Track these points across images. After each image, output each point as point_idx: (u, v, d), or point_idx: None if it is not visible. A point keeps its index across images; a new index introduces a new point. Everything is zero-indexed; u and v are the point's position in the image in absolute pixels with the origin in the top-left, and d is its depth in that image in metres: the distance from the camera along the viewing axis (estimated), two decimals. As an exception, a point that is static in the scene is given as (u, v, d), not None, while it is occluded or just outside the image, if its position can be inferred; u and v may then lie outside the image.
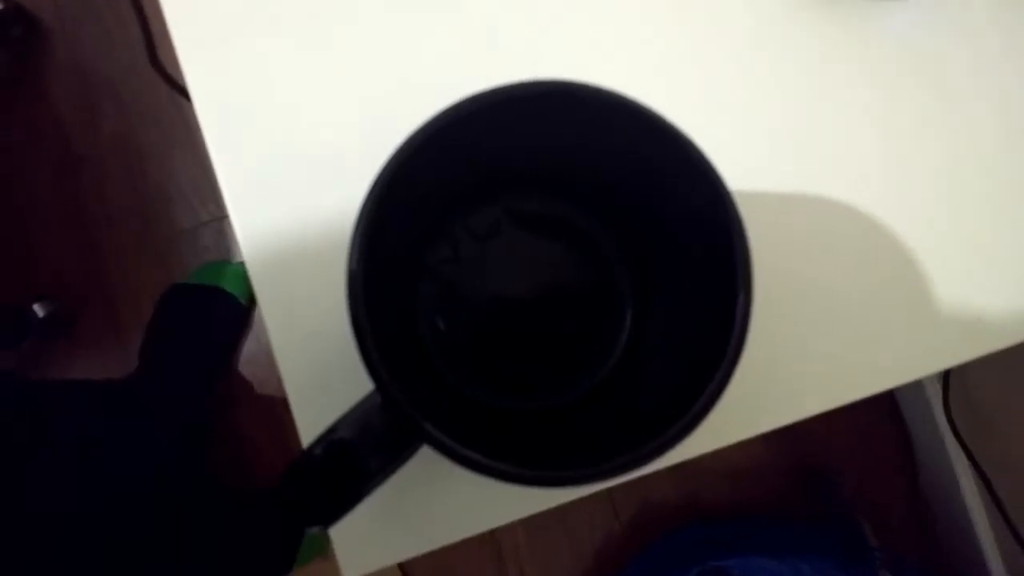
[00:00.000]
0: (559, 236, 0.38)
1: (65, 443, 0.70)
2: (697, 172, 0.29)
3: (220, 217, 1.09)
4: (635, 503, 1.10)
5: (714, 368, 0.28)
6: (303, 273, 0.41)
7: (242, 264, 1.05)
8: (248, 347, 1.09)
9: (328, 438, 0.29)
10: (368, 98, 0.42)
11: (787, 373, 0.41)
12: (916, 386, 1.08)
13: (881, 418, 1.14)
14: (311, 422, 0.40)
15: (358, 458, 0.28)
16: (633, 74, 0.43)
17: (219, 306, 1.01)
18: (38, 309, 1.07)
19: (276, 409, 1.03)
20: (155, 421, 0.88)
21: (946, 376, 0.96)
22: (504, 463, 0.27)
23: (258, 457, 1.06)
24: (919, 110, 0.43)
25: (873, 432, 1.14)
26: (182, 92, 0.44)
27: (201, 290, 1.02)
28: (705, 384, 0.28)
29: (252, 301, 1.07)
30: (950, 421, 0.95)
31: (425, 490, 0.40)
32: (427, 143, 0.27)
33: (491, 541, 1.09)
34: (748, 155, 0.42)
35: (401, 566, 1.09)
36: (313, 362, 0.40)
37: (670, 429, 0.27)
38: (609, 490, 1.08)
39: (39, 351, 1.10)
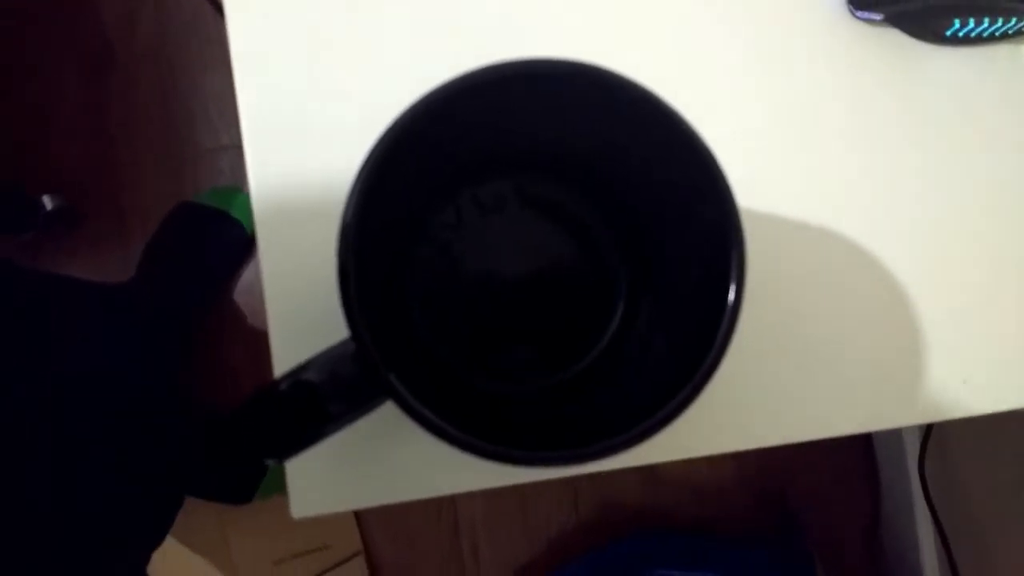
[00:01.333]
0: (562, 222, 0.38)
1: (47, 334, 0.71)
2: (709, 181, 0.29)
3: (240, 144, 1.09)
4: (598, 500, 1.10)
5: (692, 371, 0.28)
6: (306, 215, 0.41)
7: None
8: (246, 277, 1.09)
9: (296, 376, 0.29)
10: (405, 57, 0.42)
11: (764, 398, 0.41)
12: (895, 433, 1.08)
13: (855, 458, 1.14)
14: (287, 359, 0.40)
15: (321, 400, 0.28)
16: (663, 72, 0.42)
17: (224, 230, 1.02)
18: (47, 201, 1.07)
19: (261, 342, 1.03)
20: (139, 330, 0.88)
21: (928, 430, 0.96)
22: (462, 431, 0.27)
23: (234, 385, 1.07)
24: (944, 161, 0.43)
25: (844, 471, 1.14)
26: (220, 9, 0.44)
27: (209, 212, 1.02)
28: (681, 386, 0.28)
29: (258, 232, 1.07)
30: (922, 476, 0.95)
31: (390, 445, 0.40)
32: (442, 105, 0.27)
33: (450, 511, 1.10)
34: (760, 176, 0.42)
35: (359, 525, 1.10)
36: (300, 302, 0.40)
37: (633, 428, 0.27)
38: (575, 483, 1.08)
39: (40, 243, 1.10)
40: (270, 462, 0.30)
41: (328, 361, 0.29)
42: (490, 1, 0.43)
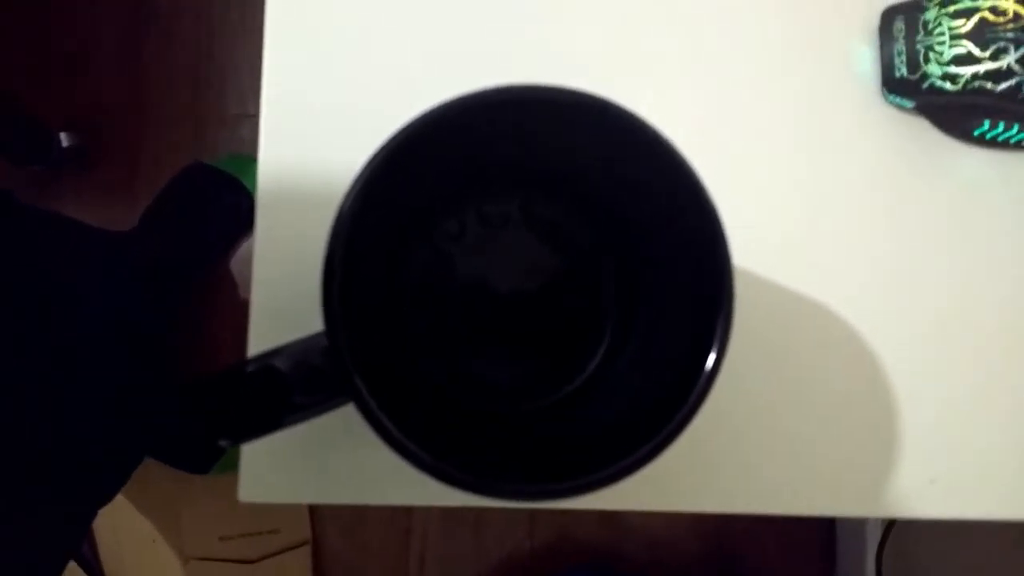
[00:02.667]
0: (563, 248, 0.38)
1: (44, 272, 0.71)
2: (710, 239, 0.28)
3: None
4: (554, 530, 1.09)
5: (659, 428, 0.28)
6: (308, 201, 0.41)
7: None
8: (246, 247, 1.09)
9: (265, 360, 0.29)
10: (435, 63, 0.42)
11: (730, 465, 0.41)
12: (859, 520, 1.07)
13: (816, 536, 1.13)
14: (262, 341, 0.40)
15: (285, 389, 0.28)
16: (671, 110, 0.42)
17: (232, 197, 1.01)
18: (64, 138, 1.07)
19: (246, 315, 1.02)
20: (136, 280, 0.88)
21: (891, 522, 0.95)
22: (419, 447, 0.26)
23: (214, 351, 1.07)
24: (953, 259, 0.43)
25: (802, 548, 1.13)
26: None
27: (221, 176, 1.02)
28: (645, 442, 0.28)
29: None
30: (878, 567, 0.95)
31: (352, 445, 0.40)
32: (456, 116, 0.27)
33: (405, 517, 1.09)
34: (766, 240, 0.42)
35: (312, 515, 1.09)
36: (286, 287, 0.40)
37: (586, 475, 0.27)
38: (533, 509, 1.08)
39: (49, 179, 1.10)
40: (224, 443, 0.30)
41: (299, 351, 0.28)
42: (530, 27, 0.43)
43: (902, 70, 0.42)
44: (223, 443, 0.30)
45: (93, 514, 0.75)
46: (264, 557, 1.06)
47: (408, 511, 1.09)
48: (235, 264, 1.08)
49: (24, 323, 0.64)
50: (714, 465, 0.41)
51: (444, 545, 1.09)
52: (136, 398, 0.79)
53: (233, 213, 1.03)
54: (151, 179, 1.08)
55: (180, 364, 1.06)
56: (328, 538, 1.09)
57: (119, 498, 1.06)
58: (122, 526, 1.07)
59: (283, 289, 0.40)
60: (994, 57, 0.40)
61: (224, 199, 1.02)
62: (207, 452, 1.00)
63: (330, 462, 0.40)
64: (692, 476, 0.41)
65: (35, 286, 0.68)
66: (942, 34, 0.40)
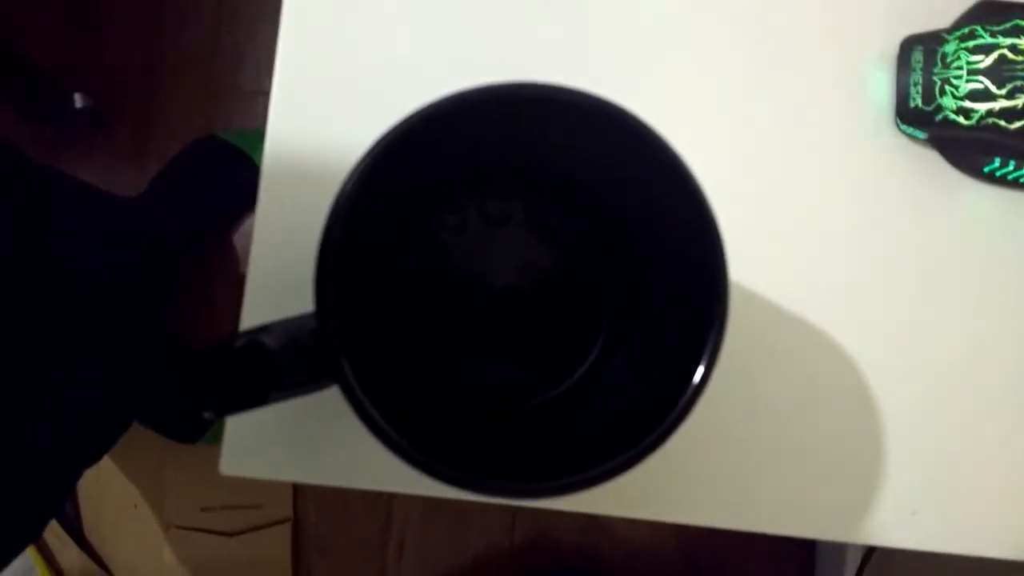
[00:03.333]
0: (561, 251, 0.38)
1: (44, 229, 0.71)
2: (709, 255, 0.28)
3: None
4: (534, 530, 1.09)
5: (643, 436, 0.28)
6: (312, 181, 0.41)
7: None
8: (249, 222, 1.09)
9: (254, 336, 0.29)
10: (453, 51, 0.42)
11: (715, 478, 0.41)
12: (840, 545, 1.07)
13: (795, 553, 1.13)
14: (254, 317, 0.40)
15: (272, 367, 0.28)
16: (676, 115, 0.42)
17: (241, 171, 1.01)
18: (78, 99, 1.06)
19: (243, 290, 1.03)
20: (137, 246, 0.88)
21: (871, 549, 0.95)
22: (403, 435, 0.26)
23: (210, 323, 1.07)
24: (950, 294, 0.43)
25: (782, 565, 1.13)
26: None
27: (232, 150, 1.01)
28: (628, 448, 0.28)
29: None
30: (857, 589, 0.94)
31: (338, 427, 0.40)
32: (458, 110, 0.27)
33: (387, 504, 1.09)
34: (767, 257, 0.42)
35: (295, 493, 1.09)
36: (283, 264, 0.40)
37: (567, 476, 0.27)
38: (515, 508, 1.08)
39: (59, 139, 1.10)
40: (208, 415, 0.30)
41: (288, 330, 0.28)
42: (550, 27, 0.43)
43: (917, 100, 0.42)
44: (207, 415, 0.30)
45: (78, 475, 0.76)
46: (244, 531, 1.06)
47: (391, 498, 1.09)
48: (238, 238, 1.09)
49: (19, 280, 0.64)
50: (696, 478, 0.41)
51: (424, 535, 1.10)
52: (128, 365, 0.79)
53: (241, 188, 1.03)
54: (162, 147, 1.08)
55: (175, 334, 1.06)
56: (309, 517, 1.09)
57: (105, 460, 1.07)
58: (106, 489, 1.07)
59: (280, 267, 0.40)
60: (1010, 95, 0.40)
61: (234, 173, 1.02)
62: (196, 423, 1.00)
63: (315, 443, 0.40)
64: (674, 486, 0.41)
65: (34, 243, 0.68)
66: (960, 68, 0.40)
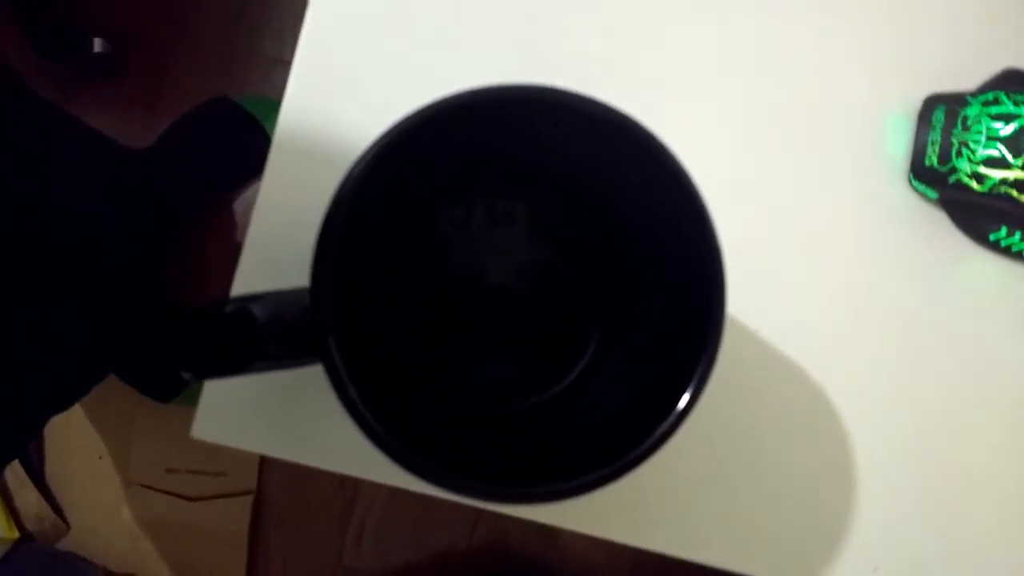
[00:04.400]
0: (563, 252, 0.37)
1: (45, 168, 0.70)
2: (710, 282, 0.28)
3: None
4: (495, 536, 1.09)
5: (619, 455, 0.28)
6: (322, 157, 0.40)
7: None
8: (253, 190, 1.08)
9: (244, 304, 0.28)
10: (478, 45, 0.42)
11: (682, 507, 0.41)
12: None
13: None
14: (248, 285, 0.40)
15: (258, 337, 0.28)
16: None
17: (251, 138, 1.01)
18: (97, 43, 1.06)
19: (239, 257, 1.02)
20: (138, 198, 0.87)
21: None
22: (378, 420, 0.26)
23: (202, 289, 1.06)
24: (939, 357, 0.43)
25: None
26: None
27: (245, 115, 1.01)
28: (603, 465, 0.28)
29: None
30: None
31: (317, 405, 0.40)
32: (459, 110, 0.27)
33: (352, 488, 1.09)
34: (763, 296, 0.42)
35: (261, 466, 1.08)
36: (282, 236, 0.40)
37: (538, 486, 0.27)
38: (479, 510, 1.07)
39: (71, 81, 1.09)
40: (186, 376, 0.30)
41: (279, 302, 0.28)
42: (592, 39, 0.43)
43: (933, 159, 0.42)
44: (186, 376, 0.30)
45: (47, 418, 0.75)
46: (206, 497, 1.06)
47: (357, 484, 1.08)
48: (239, 205, 1.08)
49: (12, 215, 0.64)
50: (663, 505, 0.41)
51: (385, 524, 1.09)
52: (114, 316, 0.79)
53: (248, 154, 1.02)
54: (175, 103, 1.08)
55: (166, 293, 1.06)
56: (272, 492, 1.09)
57: (76, 409, 1.06)
58: (73, 437, 1.07)
59: (278, 239, 0.40)
60: (1025, 167, 0.40)
61: (243, 139, 1.01)
62: (172, 382, 1.00)
63: (291, 419, 0.40)
64: (640, 511, 0.41)
65: (32, 181, 0.67)
66: (979, 132, 0.40)
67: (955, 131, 0.41)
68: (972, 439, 0.42)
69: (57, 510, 1.07)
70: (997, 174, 0.40)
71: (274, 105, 1.05)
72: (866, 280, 0.43)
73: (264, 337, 0.28)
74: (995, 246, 0.43)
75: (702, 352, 0.28)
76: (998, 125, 0.40)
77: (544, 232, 0.37)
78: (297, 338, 0.28)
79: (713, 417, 0.41)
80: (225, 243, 1.07)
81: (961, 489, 0.42)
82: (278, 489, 1.09)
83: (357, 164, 0.27)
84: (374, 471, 0.39)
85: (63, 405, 0.78)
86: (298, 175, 0.40)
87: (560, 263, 0.37)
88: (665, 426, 0.27)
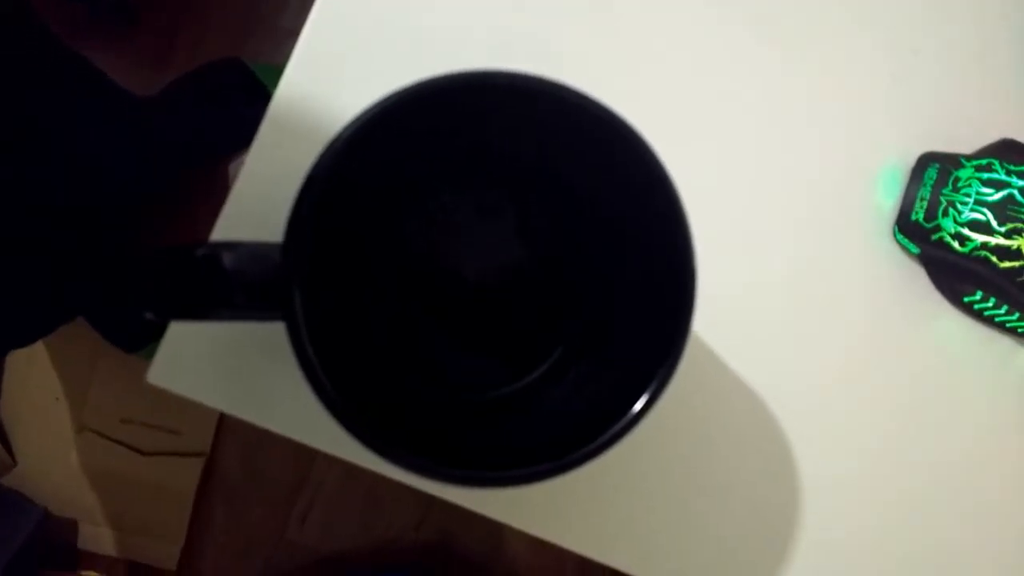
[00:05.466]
0: (545, 253, 0.37)
1: (48, 103, 0.70)
2: (680, 296, 0.28)
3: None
4: (441, 527, 1.09)
5: (567, 451, 0.28)
6: (315, 129, 0.40)
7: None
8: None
9: (215, 249, 0.28)
10: (495, 35, 0.42)
11: (623, 519, 0.41)
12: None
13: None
14: (228, 235, 0.40)
15: (225, 284, 0.28)
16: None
17: (254, 103, 1.00)
18: (117, -10, 1.06)
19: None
20: (136, 144, 0.87)
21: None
22: (336, 386, 0.26)
23: (185, 234, 1.06)
24: (897, 408, 0.43)
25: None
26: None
27: (252, 79, 1.01)
28: (548, 459, 0.28)
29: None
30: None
31: (282, 367, 0.39)
32: (437, 94, 0.27)
33: (307, 464, 1.08)
34: (734, 317, 0.42)
35: (217, 430, 1.07)
36: (269, 194, 0.40)
37: (485, 472, 0.27)
38: (429, 504, 1.07)
39: (83, 23, 1.08)
40: (148, 315, 0.30)
41: (252, 253, 0.28)
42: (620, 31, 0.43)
43: (919, 215, 0.42)
44: (148, 315, 0.30)
45: (6, 351, 0.75)
46: (157, 453, 1.05)
47: (311, 460, 1.08)
48: (234, 167, 1.08)
49: (8, 138, 0.63)
50: (605, 513, 0.41)
51: (333, 506, 1.09)
52: (91, 256, 0.78)
53: (251, 119, 1.02)
54: (186, 59, 1.07)
55: (146, 242, 1.05)
56: (225, 458, 1.08)
57: (39, 346, 1.05)
58: (32, 375, 1.06)
59: (263, 197, 0.40)
60: (1008, 235, 0.40)
61: (247, 101, 1.01)
62: (139, 332, 0.99)
63: (249, 378, 0.40)
64: (590, 518, 0.41)
65: (31, 109, 0.67)
66: (968, 195, 0.41)
67: (945, 190, 0.42)
68: (917, 481, 0.43)
69: (6, 444, 1.06)
70: (980, 238, 0.41)
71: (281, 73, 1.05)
72: (838, 324, 0.43)
73: (230, 285, 0.28)
74: (968, 308, 0.43)
75: (662, 364, 0.28)
76: (988, 190, 0.41)
77: (528, 228, 0.37)
78: (263, 290, 0.27)
79: (669, 434, 0.41)
80: (214, 204, 1.06)
81: (901, 524, 0.43)
82: (231, 456, 1.08)
83: (347, 127, 0.27)
84: (324, 441, 0.39)
85: (25, 340, 0.77)
86: (291, 140, 0.40)
87: (541, 260, 0.37)
88: (615, 429, 0.27)
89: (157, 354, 0.39)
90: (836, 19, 0.44)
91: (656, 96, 0.43)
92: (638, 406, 0.27)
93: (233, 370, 0.39)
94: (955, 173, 0.42)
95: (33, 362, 1.05)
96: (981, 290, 0.42)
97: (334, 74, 0.41)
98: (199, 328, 0.39)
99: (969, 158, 0.42)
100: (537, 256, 0.37)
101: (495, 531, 1.07)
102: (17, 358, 1.06)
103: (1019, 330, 0.43)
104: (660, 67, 0.43)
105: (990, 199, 0.41)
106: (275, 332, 0.30)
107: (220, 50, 1.07)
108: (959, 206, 0.41)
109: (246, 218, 0.40)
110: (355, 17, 0.41)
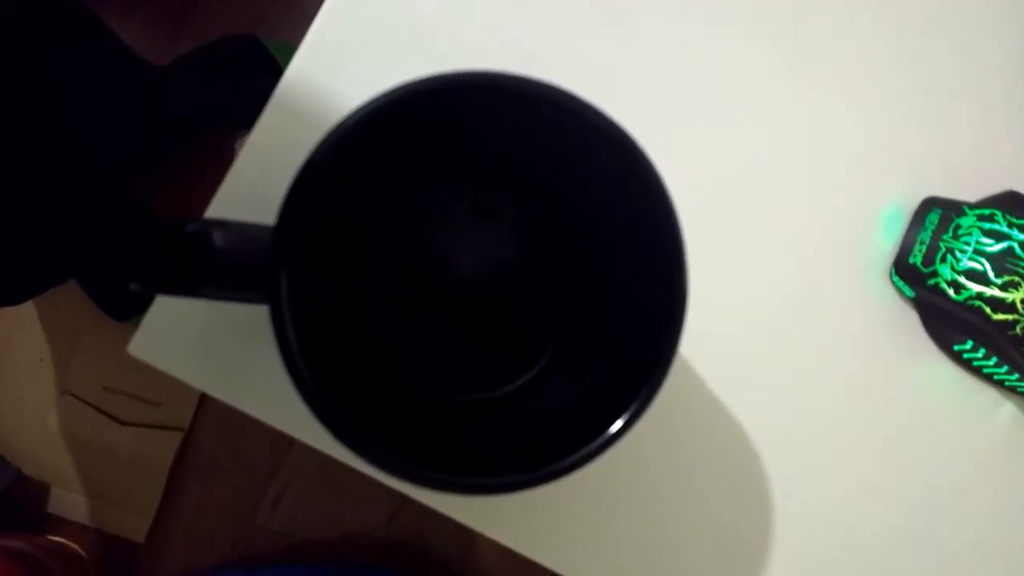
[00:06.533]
0: (539, 255, 0.37)
1: (62, 63, 0.70)
2: (669, 316, 0.28)
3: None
4: (412, 530, 1.08)
5: (543, 464, 0.28)
6: (319, 116, 0.40)
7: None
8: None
9: (206, 227, 0.28)
10: (507, 32, 0.42)
11: (594, 534, 0.41)
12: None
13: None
14: (221, 213, 0.40)
15: (212, 261, 0.27)
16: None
17: (266, 82, 1.00)
18: (139, -46, 1.05)
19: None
20: (142, 109, 0.86)
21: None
22: (314, 379, 0.26)
23: (179, 215, 1.05)
24: (877, 448, 0.43)
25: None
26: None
27: (267, 57, 1.00)
28: (525, 468, 0.28)
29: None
30: None
31: (259, 353, 0.39)
32: (438, 91, 0.27)
33: (284, 451, 1.08)
34: (721, 343, 0.42)
35: (198, 408, 1.07)
36: (267, 176, 0.40)
37: (457, 477, 0.27)
38: (402, 502, 1.07)
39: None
40: (134, 286, 0.29)
41: (243, 233, 0.28)
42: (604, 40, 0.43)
43: (917, 259, 0.42)
44: (133, 287, 0.29)
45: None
46: (135, 424, 1.04)
47: (288, 447, 1.07)
48: (238, 144, 1.07)
49: (18, 93, 0.63)
50: (577, 529, 0.41)
51: (305, 495, 1.08)
52: (87, 219, 0.78)
53: (260, 97, 1.01)
54: (201, 30, 1.07)
55: (141, 211, 1.04)
56: (203, 436, 1.07)
57: (28, 306, 1.05)
58: (18, 333, 1.05)
59: (262, 179, 0.39)
60: (1004, 287, 0.40)
61: (258, 79, 1.01)
62: (130, 301, 0.99)
63: (230, 359, 0.39)
64: (552, 528, 0.40)
65: (59, 71, 0.67)
66: (967, 244, 0.41)
67: (945, 236, 0.42)
68: (889, 521, 0.43)
69: (-16, 401, 1.06)
70: (975, 287, 0.40)
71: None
72: (826, 359, 0.43)
73: (219, 263, 0.27)
74: (957, 357, 0.43)
75: (643, 386, 0.28)
76: (988, 241, 0.41)
77: (524, 231, 0.37)
78: (250, 271, 0.27)
79: (648, 455, 0.41)
80: (212, 178, 1.06)
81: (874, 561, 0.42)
82: (210, 434, 1.08)
83: (351, 115, 0.27)
84: (298, 429, 0.39)
85: (17, 298, 0.77)
86: (296, 123, 0.40)
87: (534, 263, 0.37)
88: (591, 447, 0.27)
89: (140, 326, 0.38)
90: (854, 55, 0.44)
91: (662, 120, 0.43)
92: (615, 427, 0.27)
93: (215, 349, 0.39)
94: (957, 220, 0.42)
95: (21, 321, 1.05)
96: (972, 339, 0.42)
97: (344, 62, 0.41)
98: (185, 304, 0.38)
99: (972, 206, 0.42)
100: (530, 258, 0.37)
101: (466, 533, 1.07)
102: (5, 315, 1.05)
103: (1006, 383, 0.43)
104: (667, 89, 0.43)
105: (989, 250, 0.41)
106: (261, 315, 0.30)
107: (238, 25, 1.07)
108: (958, 254, 0.41)
109: (243, 197, 0.39)
110: (370, 8, 0.41)
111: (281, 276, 0.26)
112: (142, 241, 0.29)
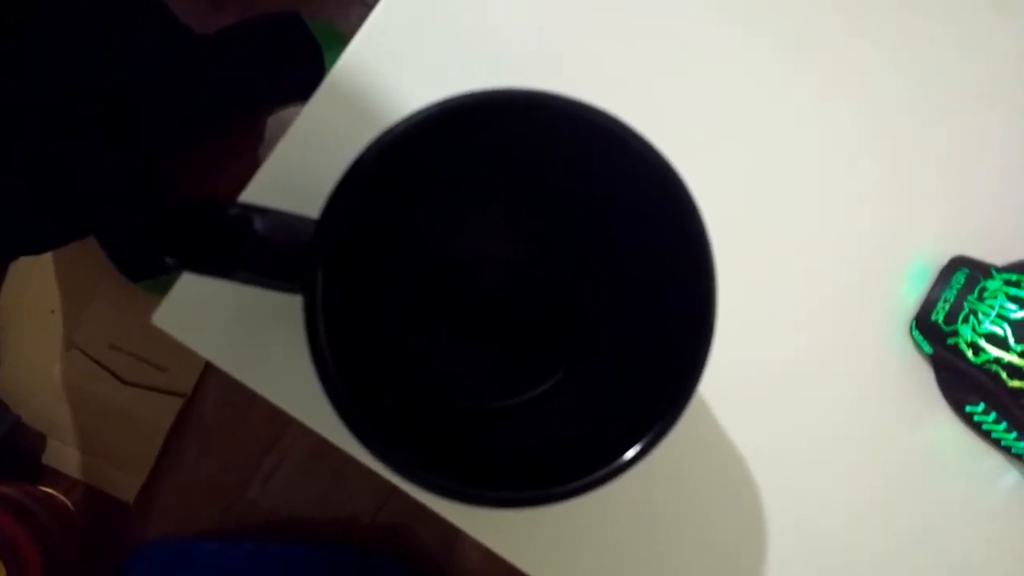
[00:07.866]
0: (563, 267, 0.37)
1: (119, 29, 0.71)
2: (694, 349, 0.28)
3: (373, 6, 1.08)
4: (399, 521, 1.09)
5: (548, 485, 0.28)
6: (370, 109, 0.40)
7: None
8: (287, 113, 1.08)
9: (248, 211, 0.28)
10: (559, 39, 0.42)
11: (584, 549, 0.41)
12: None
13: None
14: (257, 198, 0.40)
15: (250, 247, 0.28)
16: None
17: (306, 63, 1.00)
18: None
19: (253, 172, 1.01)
20: (177, 76, 0.87)
21: None
22: (338, 369, 0.26)
23: (206, 189, 1.06)
24: (884, 503, 0.43)
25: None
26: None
27: (309, 37, 1.00)
28: (532, 487, 0.28)
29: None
30: None
31: (280, 338, 0.39)
32: (469, 111, 0.27)
33: (280, 429, 1.08)
34: (735, 380, 0.42)
35: (202, 376, 1.07)
36: (306, 166, 0.40)
37: (462, 488, 0.27)
38: (393, 493, 1.07)
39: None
40: (170, 261, 0.30)
41: (284, 223, 0.28)
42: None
43: (939, 316, 0.42)
44: (169, 261, 0.30)
45: (14, 256, 0.75)
46: (138, 385, 1.05)
47: (287, 425, 1.08)
48: (272, 122, 1.08)
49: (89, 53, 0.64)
50: (569, 546, 0.41)
51: (298, 473, 1.09)
52: (119, 180, 0.79)
53: (301, 77, 1.02)
54: (241, 9, 1.07)
55: (173, 185, 1.05)
56: (204, 405, 1.08)
57: (46, 258, 1.05)
58: (33, 284, 1.06)
59: (300, 167, 0.40)
60: (1023, 355, 0.40)
61: (299, 59, 1.01)
62: (146, 264, 0.99)
63: (250, 340, 0.40)
64: (545, 542, 0.41)
65: (120, 20, 0.68)
66: (991, 307, 0.41)
67: (970, 297, 0.42)
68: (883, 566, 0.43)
69: (-8, 346, 1.07)
70: (994, 352, 0.41)
71: (340, 38, 1.04)
72: (838, 406, 0.43)
73: (256, 249, 0.28)
74: (968, 418, 0.43)
75: (662, 414, 0.28)
76: (1012, 306, 0.41)
77: (547, 243, 0.37)
78: (286, 261, 0.28)
79: (654, 482, 0.41)
80: (245, 155, 1.06)
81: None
82: (211, 404, 1.08)
83: (407, 120, 0.27)
84: (305, 412, 0.39)
85: (38, 248, 0.78)
86: (343, 114, 0.40)
87: (554, 278, 0.37)
88: (601, 473, 0.27)
89: (166, 298, 0.39)
90: (893, 109, 0.44)
91: (692, 146, 0.43)
92: (629, 454, 0.27)
93: (236, 328, 0.40)
94: (983, 282, 0.42)
95: (38, 271, 1.05)
96: (984, 402, 0.42)
97: (399, 56, 0.41)
98: (213, 282, 0.39)
99: (1000, 270, 0.42)
100: (551, 272, 0.37)
101: (451, 530, 1.07)
102: (23, 264, 1.06)
103: (1012, 450, 0.43)
104: (705, 127, 0.43)
105: (1012, 315, 0.41)
106: (284, 300, 0.30)
107: (277, 4, 1.07)
108: (980, 316, 0.41)
109: (280, 183, 0.40)
110: (431, 4, 0.41)
111: (319, 270, 0.26)
112: (182, 217, 0.29)
